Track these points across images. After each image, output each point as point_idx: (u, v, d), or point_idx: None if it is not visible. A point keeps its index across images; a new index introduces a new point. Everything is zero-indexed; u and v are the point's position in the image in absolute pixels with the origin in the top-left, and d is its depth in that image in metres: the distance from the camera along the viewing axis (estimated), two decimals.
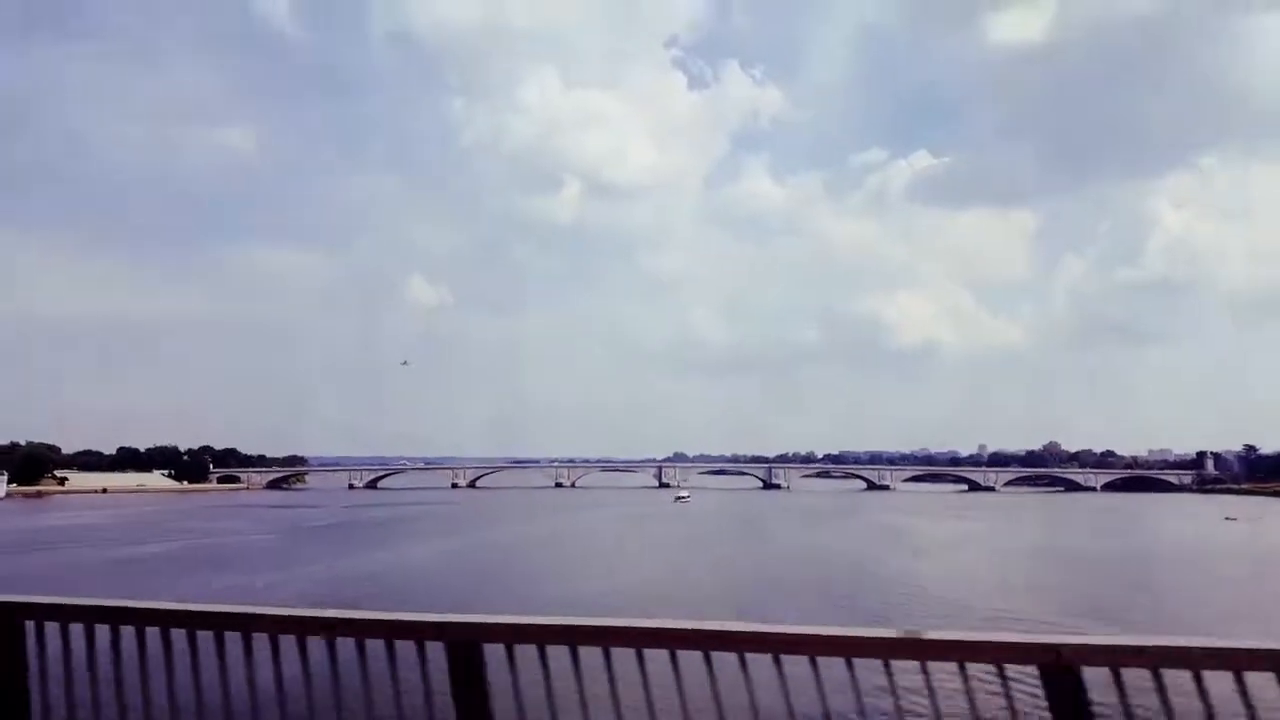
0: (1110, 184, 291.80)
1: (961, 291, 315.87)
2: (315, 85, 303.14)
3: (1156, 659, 3.18)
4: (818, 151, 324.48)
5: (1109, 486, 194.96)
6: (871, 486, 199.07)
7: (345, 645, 3.86)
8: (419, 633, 3.78)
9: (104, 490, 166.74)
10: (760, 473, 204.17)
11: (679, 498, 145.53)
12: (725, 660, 3.54)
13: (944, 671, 3.46)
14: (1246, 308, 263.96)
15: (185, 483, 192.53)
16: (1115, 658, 3.27)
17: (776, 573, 54.10)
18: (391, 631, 3.82)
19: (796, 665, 3.47)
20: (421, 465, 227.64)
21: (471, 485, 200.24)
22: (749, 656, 3.51)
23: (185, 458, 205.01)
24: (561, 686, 3.78)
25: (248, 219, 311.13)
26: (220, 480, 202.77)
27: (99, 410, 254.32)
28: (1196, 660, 3.13)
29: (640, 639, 3.64)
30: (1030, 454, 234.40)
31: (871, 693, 3.56)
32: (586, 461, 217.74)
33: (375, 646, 3.85)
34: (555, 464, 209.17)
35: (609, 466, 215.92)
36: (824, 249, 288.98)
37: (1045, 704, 3.34)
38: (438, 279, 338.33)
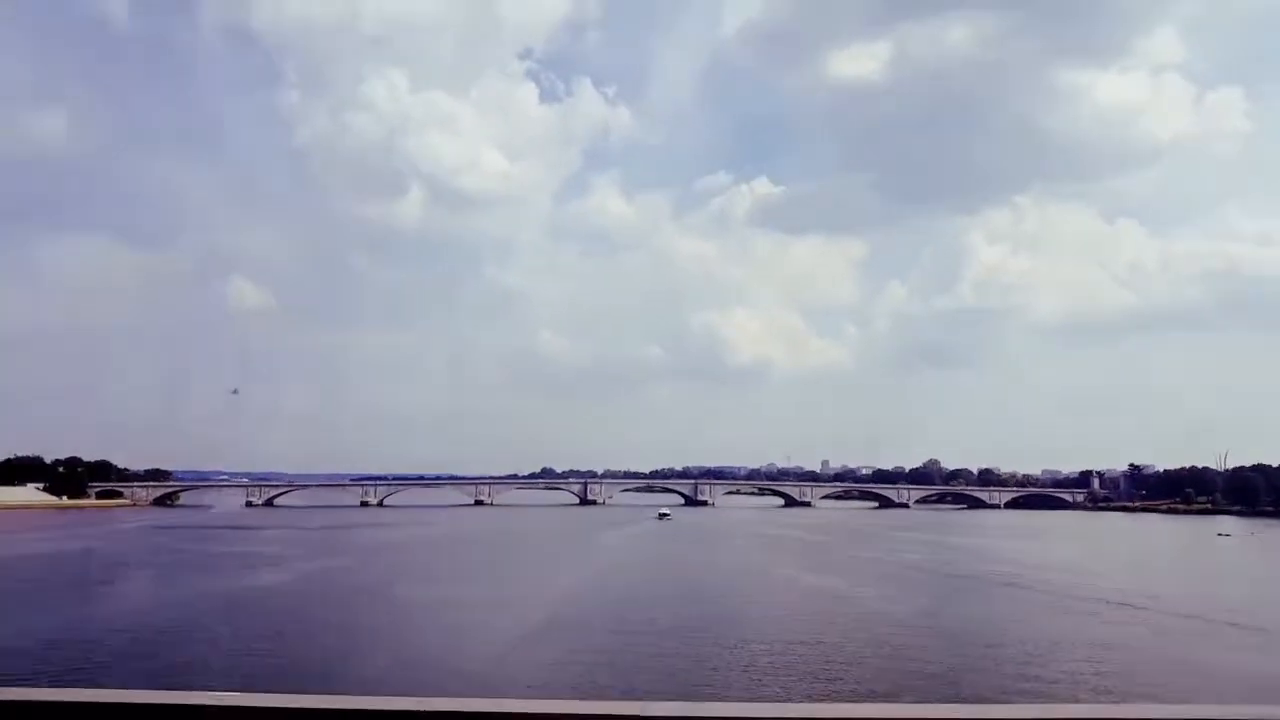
0: (934, 217, 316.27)
1: (792, 313, 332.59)
2: (138, 71, 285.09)
3: None
4: (665, 172, 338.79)
5: (1011, 504, 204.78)
6: (791, 503, 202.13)
7: None
8: None
9: None
10: (685, 489, 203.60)
11: (662, 515, 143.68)
12: None
13: None
14: (1050, 334, 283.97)
15: (64, 498, 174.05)
16: None
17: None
18: None
19: None
20: (246, 481, 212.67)
21: (380, 503, 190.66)
22: None
23: (60, 469, 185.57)
24: None
25: (55, 210, 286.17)
26: (99, 495, 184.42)
27: None
28: None
29: None
30: (915, 471, 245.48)
31: None
32: (508, 478, 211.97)
33: None
34: (477, 481, 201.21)
35: (523, 485, 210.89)
36: (668, 267, 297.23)
37: None
38: (263, 282, 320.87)
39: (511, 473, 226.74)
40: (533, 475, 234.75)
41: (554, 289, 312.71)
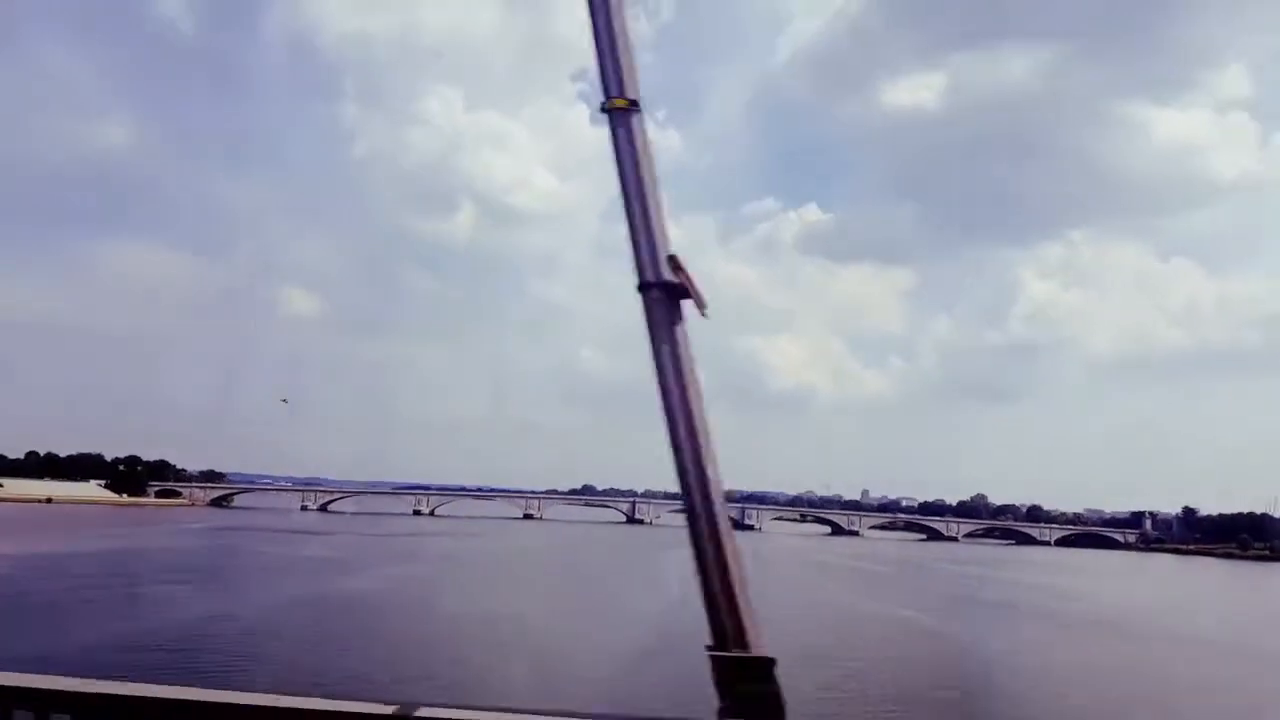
0: (985, 249, 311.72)
1: (837, 342, 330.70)
2: (202, 82, 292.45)
3: None
4: (712, 196, 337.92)
5: (1062, 541, 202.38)
6: (838, 531, 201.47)
7: None
8: None
9: (49, 500, 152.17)
10: (733, 513, 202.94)
11: None
12: None
13: None
14: (1099, 372, 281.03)
15: (124, 495, 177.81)
16: None
17: None
18: None
19: None
20: (289, 485, 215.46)
21: (433, 513, 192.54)
22: None
23: (121, 467, 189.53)
24: None
25: (118, 218, 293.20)
26: (158, 494, 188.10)
27: None
28: None
29: None
30: (961, 504, 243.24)
31: None
32: (553, 493, 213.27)
33: None
34: (527, 495, 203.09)
35: (571, 501, 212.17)
36: (712, 290, 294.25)
37: None
38: (315, 291, 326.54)
39: (551, 488, 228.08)
40: (573, 491, 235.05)
41: (597, 307, 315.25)
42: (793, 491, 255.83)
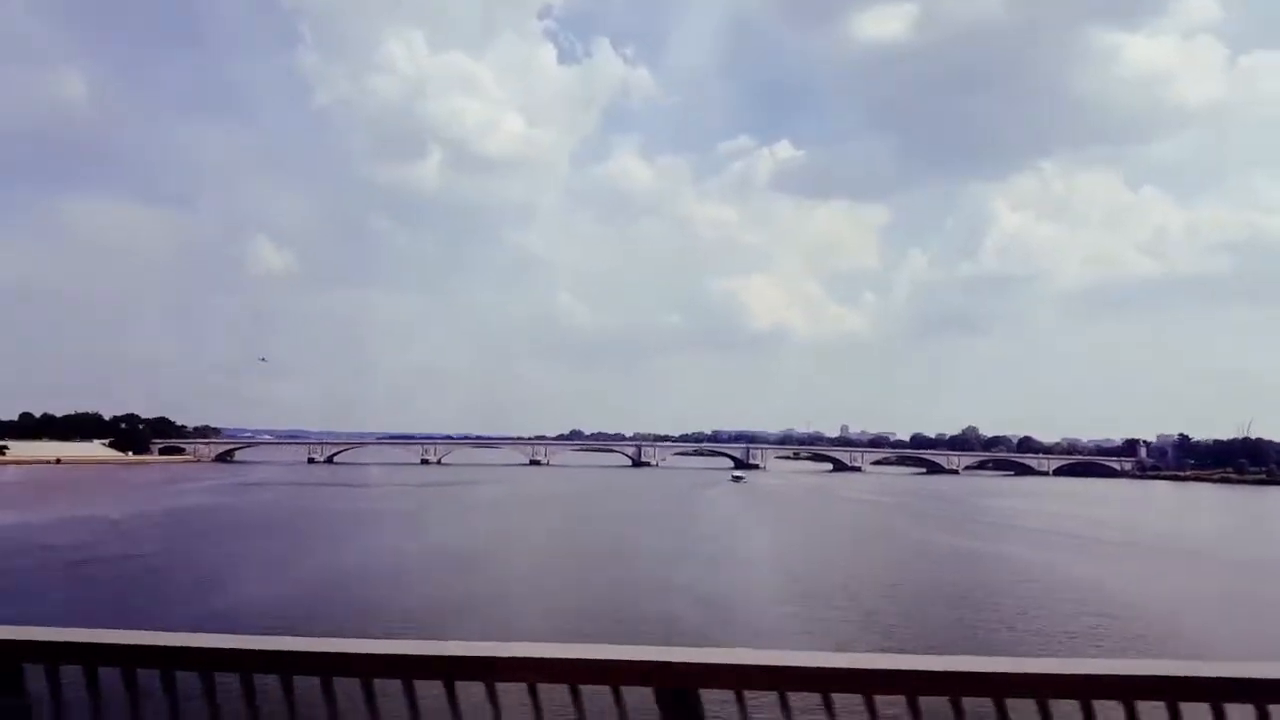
0: (958, 183, 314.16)
1: (812, 280, 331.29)
2: (159, 33, 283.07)
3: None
4: (686, 135, 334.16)
5: (1060, 471, 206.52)
6: (840, 468, 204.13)
7: None
8: None
9: (58, 461, 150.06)
10: (737, 453, 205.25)
11: (736, 477, 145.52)
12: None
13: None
14: (1073, 302, 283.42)
15: (129, 454, 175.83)
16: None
17: None
18: None
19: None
20: (269, 439, 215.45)
21: (440, 461, 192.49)
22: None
23: (123, 426, 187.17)
24: None
25: (81, 173, 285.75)
26: (161, 451, 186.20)
27: None
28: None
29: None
30: (953, 438, 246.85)
31: None
32: (559, 439, 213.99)
33: None
34: (533, 442, 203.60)
35: (586, 446, 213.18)
36: (687, 233, 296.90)
37: None
38: (285, 245, 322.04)
39: (539, 434, 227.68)
40: (561, 437, 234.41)
41: (573, 255, 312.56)
42: (774, 429, 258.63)
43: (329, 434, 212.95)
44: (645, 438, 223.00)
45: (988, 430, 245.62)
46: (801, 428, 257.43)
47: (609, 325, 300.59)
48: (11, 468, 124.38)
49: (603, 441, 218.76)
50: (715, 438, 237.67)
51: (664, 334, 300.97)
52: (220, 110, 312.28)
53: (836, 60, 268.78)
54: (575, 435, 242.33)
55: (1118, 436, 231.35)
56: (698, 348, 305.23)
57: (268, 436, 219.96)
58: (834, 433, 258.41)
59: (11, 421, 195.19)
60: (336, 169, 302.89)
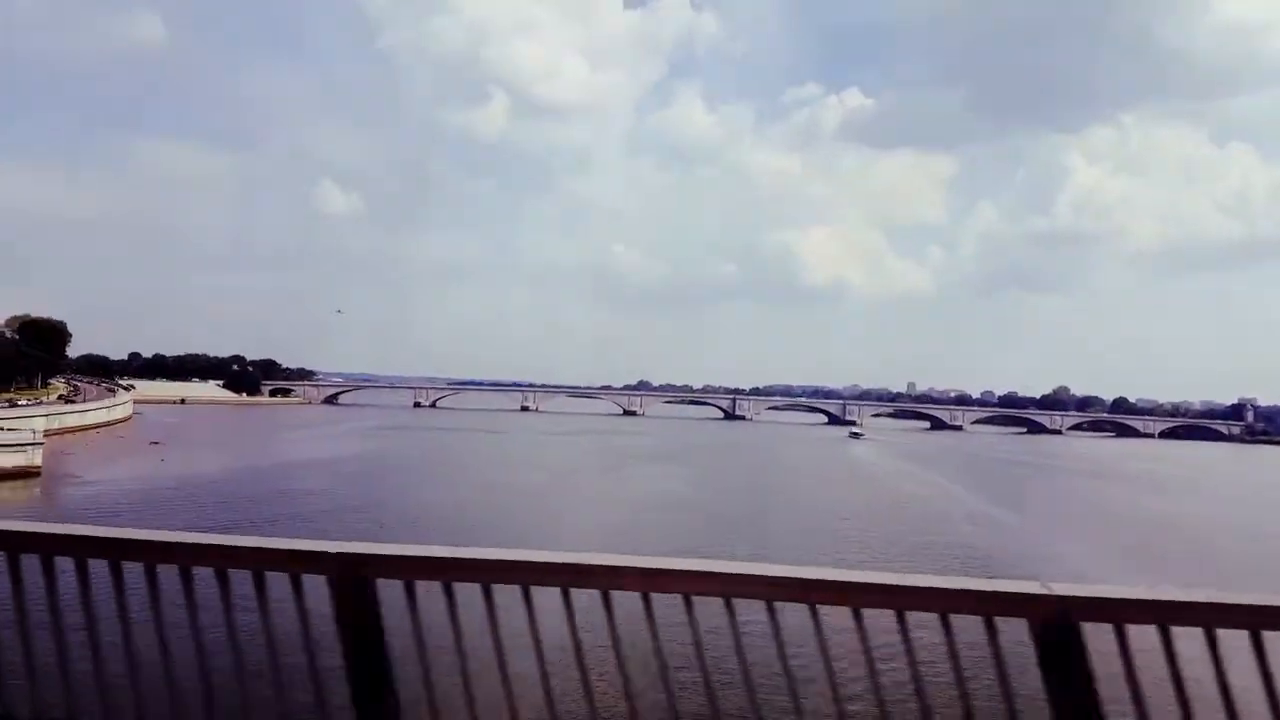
0: (1032, 135, 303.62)
1: (874, 232, 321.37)
2: None
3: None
4: (751, 82, 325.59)
5: (1166, 434, 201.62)
6: (938, 426, 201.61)
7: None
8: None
9: (183, 400, 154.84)
10: (833, 409, 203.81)
11: (854, 434, 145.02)
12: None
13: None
14: (1147, 261, 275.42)
15: (243, 395, 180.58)
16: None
17: None
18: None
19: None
20: (339, 381, 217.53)
21: (538, 409, 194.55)
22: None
23: (235, 368, 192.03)
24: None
25: (152, 114, 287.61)
26: (270, 394, 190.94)
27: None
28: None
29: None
30: (1044, 398, 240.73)
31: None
32: (651, 389, 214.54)
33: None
34: (628, 393, 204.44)
35: (677, 398, 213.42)
36: (746, 182, 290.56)
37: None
38: (349, 186, 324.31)
39: (605, 384, 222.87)
40: (628, 387, 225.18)
41: (629, 202, 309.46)
42: (838, 385, 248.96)
43: (396, 378, 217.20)
44: (713, 389, 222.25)
45: (1047, 389, 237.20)
46: (866, 384, 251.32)
47: (659, 275, 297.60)
48: (150, 407, 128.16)
49: (697, 394, 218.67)
50: (789, 392, 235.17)
51: (716, 285, 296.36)
52: (288, 53, 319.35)
53: (912, 5, 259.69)
54: (643, 385, 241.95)
55: (1197, 400, 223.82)
56: (751, 299, 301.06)
57: (339, 380, 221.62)
58: (900, 389, 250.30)
59: (123, 361, 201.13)
60: (402, 112, 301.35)
